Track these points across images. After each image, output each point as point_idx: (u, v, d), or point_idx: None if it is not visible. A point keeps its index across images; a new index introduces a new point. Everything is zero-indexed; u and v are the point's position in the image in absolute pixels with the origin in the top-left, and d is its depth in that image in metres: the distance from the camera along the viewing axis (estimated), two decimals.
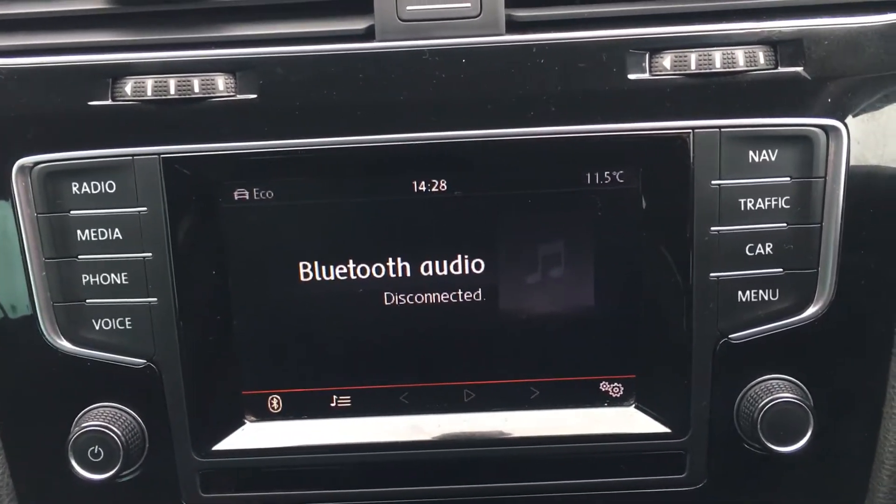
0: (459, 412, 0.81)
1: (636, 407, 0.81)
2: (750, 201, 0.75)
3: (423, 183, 0.77)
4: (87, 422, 0.77)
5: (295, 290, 0.79)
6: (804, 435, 0.75)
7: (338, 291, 0.79)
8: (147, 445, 0.80)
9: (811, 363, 0.78)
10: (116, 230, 0.76)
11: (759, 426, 0.75)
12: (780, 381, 0.77)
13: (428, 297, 0.79)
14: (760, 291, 0.76)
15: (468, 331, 0.80)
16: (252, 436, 0.81)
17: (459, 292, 0.79)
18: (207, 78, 0.75)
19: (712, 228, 0.75)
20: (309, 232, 0.78)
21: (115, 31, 0.76)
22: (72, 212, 0.76)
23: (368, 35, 0.75)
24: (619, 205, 0.77)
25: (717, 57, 0.73)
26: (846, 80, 0.75)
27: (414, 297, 0.79)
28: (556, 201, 0.77)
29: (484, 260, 0.78)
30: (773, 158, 0.75)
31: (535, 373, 0.81)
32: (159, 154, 0.75)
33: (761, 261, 0.76)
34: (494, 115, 0.75)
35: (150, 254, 0.76)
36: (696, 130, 0.74)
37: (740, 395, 0.78)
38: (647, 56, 0.74)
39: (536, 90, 0.75)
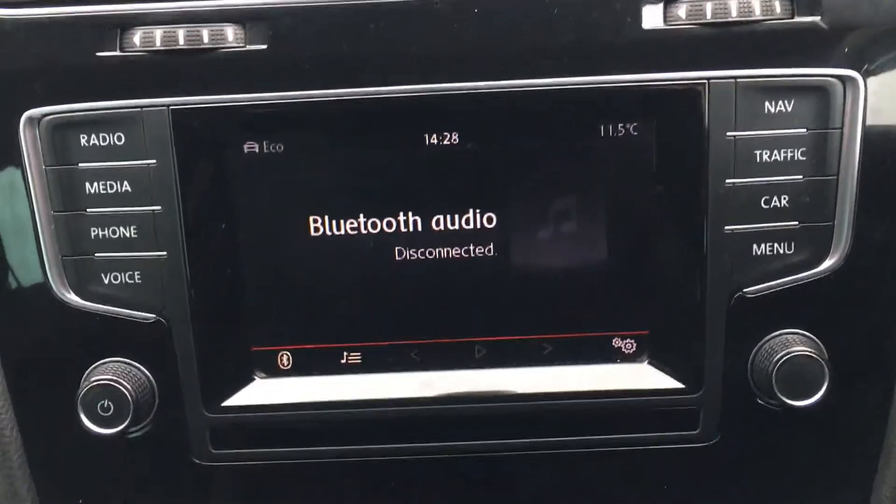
0: (471, 368, 0.81)
1: (649, 363, 0.80)
2: (766, 153, 0.74)
3: (434, 136, 0.76)
4: (97, 376, 0.77)
5: (305, 245, 0.78)
6: (819, 389, 0.75)
7: (348, 246, 0.78)
8: (157, 401, 0.79)
9: (827, 317, 0.77)
10: (125, 183, 0.76)
11: (773, 380, 0.75)
12: (795, 336, 0.77)
13: (439, 251, 0.78)
14: (776, 245, 0.76)
15: (479, 286, 0.79)
16: (262, 392, 0.81)
17: (471, 247, 0.78)
18: (217, 28, 0.74)
19: (727, 181, 0.75)
20: (319, 186, 0.77)
21: None
22: (80, 164, 0.76)
23: None
24: (633, 157, 0.76)
25: (733, 5, 0.72)
26: (864, 31, 0.74)
27: (425, 252, 0.78)
28: (568, 154, 0.77)
29: (496, 214, 0.77)
30: (789, 109, 0.74)
31: (548, 329, 0.80)
32: (168, 106, 0.75)
33: (777, 213, 0.75)
34: (507, 66, 0.74)
35: (159, 207, 0.76)
36: (712, 81, 0.73)
37: (755, 349, 0.77)
38: (663, 5, 0.73)
39: (550, 41, 0.74)
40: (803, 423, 0.79)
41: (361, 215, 0.78)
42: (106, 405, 0.76)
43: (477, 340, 0.81)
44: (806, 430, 0.80)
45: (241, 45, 0.74)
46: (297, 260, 0.79)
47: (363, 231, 0.78)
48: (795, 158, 0.74)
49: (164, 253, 0.77)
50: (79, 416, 0.76)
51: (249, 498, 0.86)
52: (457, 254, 0.78)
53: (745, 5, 0.72)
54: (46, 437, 0.83)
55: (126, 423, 0.76)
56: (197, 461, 0.82)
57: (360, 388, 0.81)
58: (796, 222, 0.75)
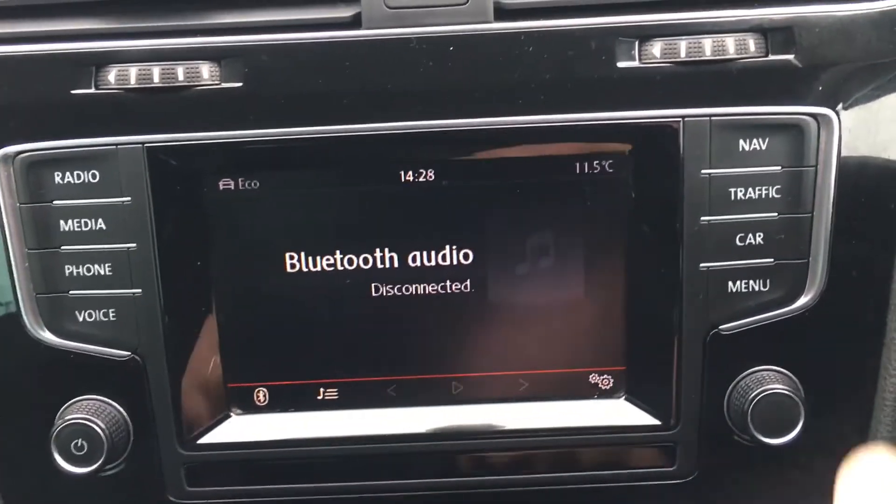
0: (447, 405, 0.80)
1: (626, 399, 0.80)
2: (740, 191, 0.74)
3: (410, 173, 0.76)
4: (71, 414, 0.76)
5: (281, 282, 0.78)
6: (795, 427, 0.75)
7: (324, 283, 0.78)
8: (131, 438, 0.79)
9: (802, 354, 0.77)
10: (100, 220, 0.76)
11: (749, 418, 0.74)
12: (770, 373, 0.77)
13: (416, 288, 0.78)
14: (751, 282, 0.76)
15: (456, 322, 0.79)
16: (238, 429, 0.80)
17: (447, 283, 0.78)
18: (192, 66, 0.74)
19: (702, 218, 0.75)
20: (295, 222, 0.77)
21: (98, 18, 0.75)
22: (55, 202, 0.76)
23: (355, 23, 0.74)
24: (609, 194, 0.76)
25: (707, 45, 0.73)
26: (837, 69, 0.74)
27: (402, 288, 0.78)
28: (544, 191, 0.77)
29: (472, 250, 0.77)
30: (763, 147, 0.74)
31: (524, 365, 0.80)
32: (143, 143, 0.74)
33: (752, 251, 0.75)
34: (482, 103, 0.74)
35: (133, 244, 0.76)
36: (686, 119, 0.74)
37: (731, 386, 0.77)
38: (637, 44, 0.74)
39: (525, 78, 0.74)
40: (780, 460, 0.79)
41: (337, 252, 0.77)
42: (80, 444, 0.76)
43: (454, 377, 0.80)
44: (783, 467, 0.80)
45: (216, 82, 0.74)
46: (273, 296, 0.78)
47: (339, 267, 0.78)
48: (770, 196, 0.74)
49: (139, 290, 0.76)
50: (52, 455, 0.76)
51: None
52: (433, 290, 0.78)
53: (720, 44, 0.73)
54: (20, 474, 0.82)
55: (100, 461, 0.76)
56: (172, 499, 0.81)
57: (336, 424, 0.80)
58: (771, 259, 0.75)
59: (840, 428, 0.79)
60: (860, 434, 0.79)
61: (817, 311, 0.76)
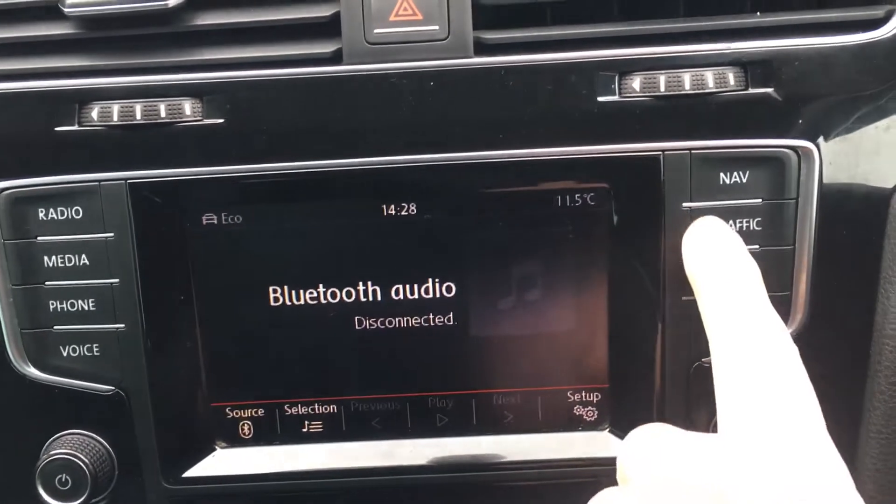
0: (432, 437, 0.80)
1: (610, 431, 0.80)
2: None
3: (392, 206, 0.77)
4: (55, 449, 0.77)
5: (265, 316, 0.78)
6: None
7: (308, 316, 0.78)
8: (116, 473, 0.79)
9: None
10: (83, 256, 0.76)
11: None
12: None
13: (399, 321, 0.78)
14: None
15: (440, 355, 0.79)
16: (223, 462, 0.81)
17: (430, 316, 0.78)
18: (174, 102, 0.74)
19: None
20: (278, 256, 0.77)
21: (81, 55, 0.75)
22: (38, 238, 0.76)
23: (336, 58, 0.74)
24: (591, 228, 0.76)
25: (687, 78, 0.73)
26: (817, 102, 0.74)
27: (385, 321, 0.78)
28: (526, 224, 0.77)
29: (455, 283, 0.77)
30: (744, 180, 0.74)
31: (509, 397, 0.80)
32: (126, 179, 0.75)
33: None
34: (463, 138, 0.75)
35: (116, 280, 0.76)
36: (667, 152, 0.74)
37: (714, 418, 0.77)
38: (617, 78, 0.74)
39: (506, 113, 0.74)
40: None
41: (321, 285, 0.78)
42: (64, 479, 0.76)
43: (438, 409, 0.80)
44: None
45: (198, 118, 0.74)
46: (257, 330, 0.79)
47: (323, 301, 0.78)
48: (751, 228, 0.74)
49: (123, 325, 0.77)
50: (37, 490, 0.76)
51: None
52: (416, 323, 0.78)
53: (699, 78, 0.73)
54: None
55: (84, 496, 0.76)
56: None
57: (321, 457, 0.81)
58: None
59: None
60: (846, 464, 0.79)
61: (800, 342, 0.74)
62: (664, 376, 0.77)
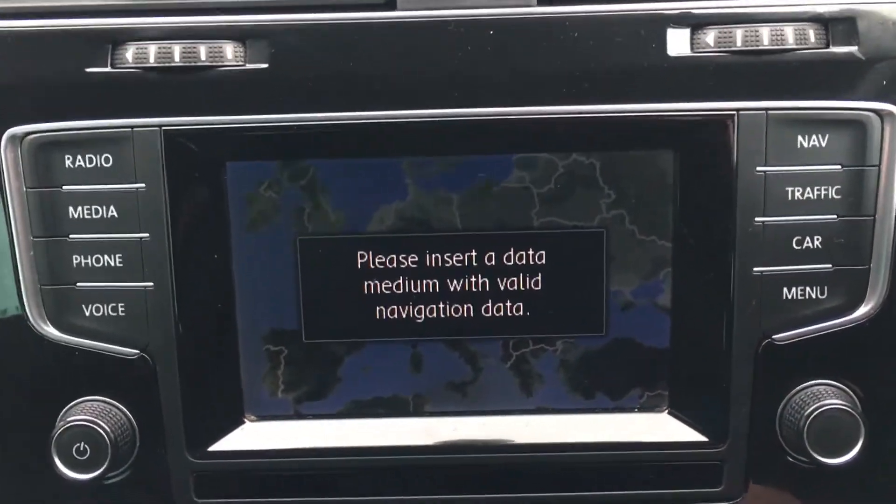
0: (477, 415, 0.75)
1: (669, 413, 0.75)
2: (798, 190, 0.70)
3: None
4: (73, 416, 0.72)
5: None
6: (854, 445, 0.70)
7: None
8: (138, 444, 0.74)
9: (861, 368, 0.73)
10: (111, 208, 0.71)
11: (805, 435, 0.70)
12: (827, 387, 0.72)
13: (450, 302, 0.74)
14: (807, 289, 0.71)
15: (490, 330, 0.74)
16: (252, 436, 0.76)
17: (489, 304, 0.74)
18: (215, 45, 0.70)
19: (756, 219, 0.70)
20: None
21: None
22: (64, 187, 0.71)
23: (389, 4, 0.70)
24: (655, 192, 0.72)
25: (765, 34, 0.69)
26: None
27: (431, 292, 0.74)
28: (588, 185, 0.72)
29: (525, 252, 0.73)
30: (823, 144, 0.70)
31: (565, 375, 0.75)
32: (161, 126, 0.70)
33: (809, 255, 0.71)
34: (523, 92, 0.70)
35: (146, 234, 0.71)
36: (741, 112, 0.69)
37: (784, 401, 0.73)
38: (689, 32, 0.70)
39: (569, 66, 0.70)
40: (836, 482, 0.74)
41: (381, 251, 0.73)
42: (82, 448, 0.71)
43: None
44: (839, 489, 0.75)
45: (240, 63, 0.70)
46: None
47: (371, 266, 0.73)
48: (829, 197, 0.70)
49: (151, 284, 0.72)
50: (53, 460, 0.71)
51: None
52: (468, 310, 0.74)
53: (778, 33, 0.69)
54: (17, 481, 0.77)
55: (103, 467, 0.71)
56: None
57: (357, 433, 0.76)
58: (830, 265, 0.71)
59: None
60: None
61: (879, 321, 0.71)
62: (731, 355, 0.72)
